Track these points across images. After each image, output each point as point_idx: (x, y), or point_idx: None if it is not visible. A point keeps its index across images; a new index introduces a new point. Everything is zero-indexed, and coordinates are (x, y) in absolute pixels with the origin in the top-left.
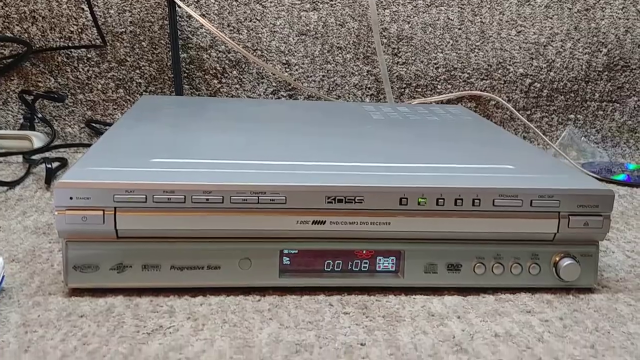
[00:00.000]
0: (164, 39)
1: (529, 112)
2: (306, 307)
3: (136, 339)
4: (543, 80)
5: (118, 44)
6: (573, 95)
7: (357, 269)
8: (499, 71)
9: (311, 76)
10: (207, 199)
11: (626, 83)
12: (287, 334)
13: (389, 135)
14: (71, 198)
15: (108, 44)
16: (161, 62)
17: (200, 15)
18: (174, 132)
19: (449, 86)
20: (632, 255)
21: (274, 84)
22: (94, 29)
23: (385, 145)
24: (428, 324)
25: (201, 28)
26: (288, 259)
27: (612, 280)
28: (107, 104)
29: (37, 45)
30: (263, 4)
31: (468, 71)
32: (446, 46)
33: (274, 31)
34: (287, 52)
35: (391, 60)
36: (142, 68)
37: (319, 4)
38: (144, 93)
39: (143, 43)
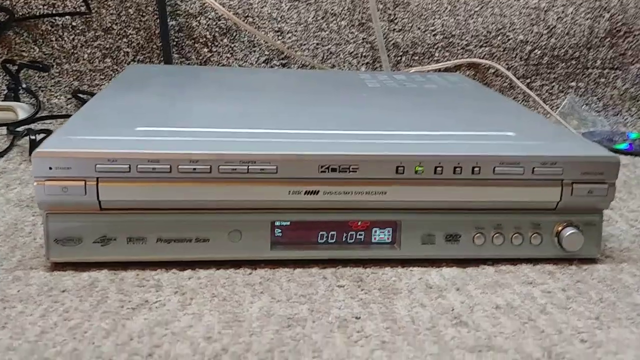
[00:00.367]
0: (152, 5)
1: (528, 80)
2: (299, 281)
3: (120, 314)
4: (543, 47)
5: (104, 11)
6: (574, 62)
7: (351, 241)
8: (499, 38)
9: (305, 44)
10: (194, 169)
11: (629, 49)
12: (279, 307)
13: (385, 103)
14: (50, 168)
15: (93, 11)
16: (149, 30)
17: None
18: (161, 101)
19: (447, 54)
20: (636, 225)
21: (266, 52)
22: None
23: (381, 113)
24: (426, 297)
25: None
26: (280, 230)
27: (616, 250)
28: (94, 73)
29: (20, 13)
30: None
31: (467, 38)
32: (444, 12)
33: None
34: (279, 18)
35: (387, 27)
36: (130, 36)
37: None
38: (131, 62)
39: (130, 10)
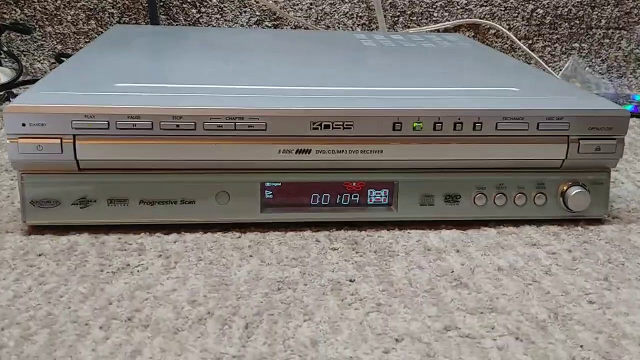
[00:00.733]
0: None
1: (530, 42)
2: (290, 244)
3: (99, 278)
4: (546, 5)
5: None
6: (578, 22)
7: (346, 202)
8: None
9: (298, 4)
10: (178, 125)
11: (634, 8)
12: (269, 271)
13: (382, 62)
14: (24, 124)
15: None
16: None
17: None
18: (145, 59)
19: (446, 14)
20: None
21: (257, 13)
22: None
23: (378, 71)
24: (424, 259)
25: None
26: (270, 192)
27: (623, 211)
28: (77, 36)
29: None
30: None
31: None
32: None
33: None
34: None
35: None
36: None
37: None
38: (116, 24)
39: None
